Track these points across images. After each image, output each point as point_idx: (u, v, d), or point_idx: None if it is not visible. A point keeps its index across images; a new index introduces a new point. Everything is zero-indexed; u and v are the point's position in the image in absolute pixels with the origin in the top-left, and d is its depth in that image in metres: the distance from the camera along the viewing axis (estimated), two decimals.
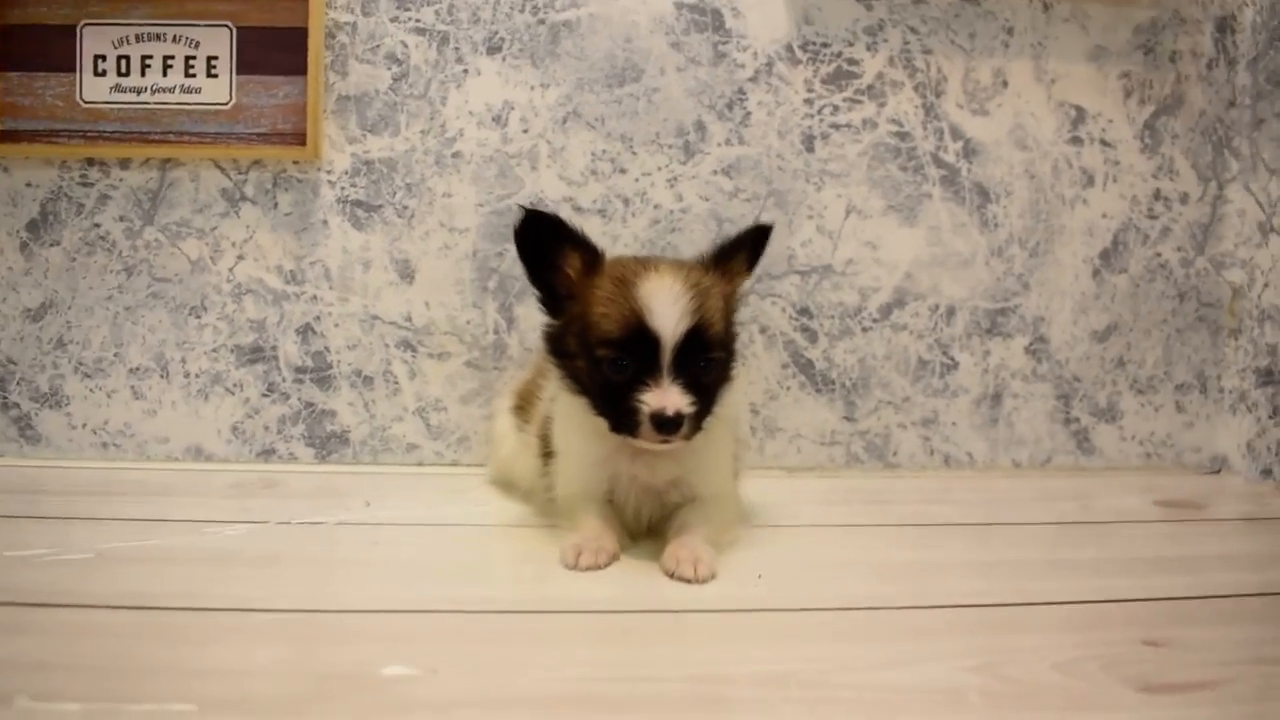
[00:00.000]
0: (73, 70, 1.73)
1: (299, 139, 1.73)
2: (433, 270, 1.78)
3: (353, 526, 1.42)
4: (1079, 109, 1.87)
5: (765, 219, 1.79)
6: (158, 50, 1.74)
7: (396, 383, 1.79)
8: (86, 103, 1.73)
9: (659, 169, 1.79)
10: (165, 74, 1.74)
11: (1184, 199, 1.91)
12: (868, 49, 1.82)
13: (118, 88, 1.73)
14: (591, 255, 1.34)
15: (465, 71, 1.76)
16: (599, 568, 1.24)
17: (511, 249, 1.72)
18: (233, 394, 1.78)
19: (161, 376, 1.77)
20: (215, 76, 1.74)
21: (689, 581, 1.19)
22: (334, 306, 1.77)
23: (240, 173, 1.75)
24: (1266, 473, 1.83)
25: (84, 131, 1.73)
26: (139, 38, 1.73)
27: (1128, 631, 1.08)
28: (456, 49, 1.76)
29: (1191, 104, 1.90)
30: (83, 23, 1.73)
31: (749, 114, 1.80)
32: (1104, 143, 1.88)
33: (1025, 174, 1.86)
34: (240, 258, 1.76)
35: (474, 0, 1.76)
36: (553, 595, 1.18)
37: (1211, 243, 1.92)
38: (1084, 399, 1.91)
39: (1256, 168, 1.87)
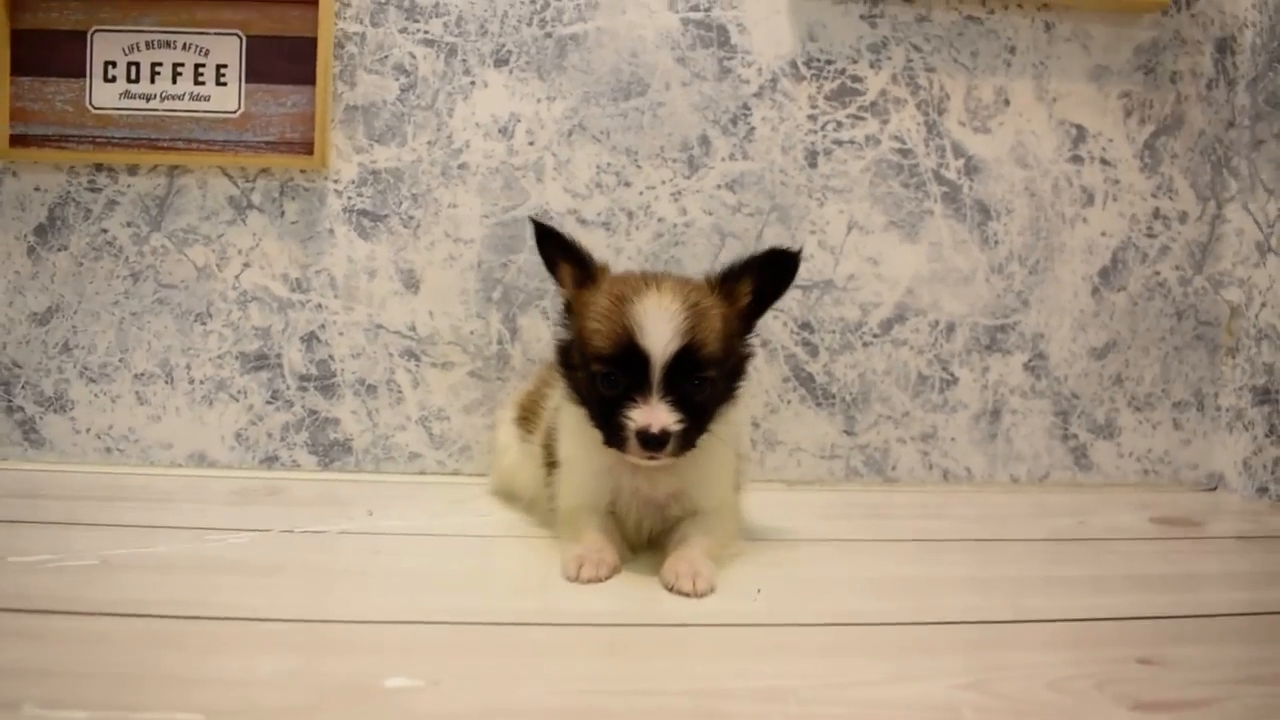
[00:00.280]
0: (83, 76, 1.74)
1: (306, 148, 1.74)
2: (437, 280, 1.79)
3: (355, 535, 1.43)
4: (1079, 128, 1.89)
5: (768, 234, 1.81)
6: (168, 57, 1.75)
7: (400, 392, 1.80)
8: (96, 108, 1.74)
9: (663, 183, 1.80)
10: (175, 81, 1.76)
11: (1183, 218, 1.92)
12: (871, 66, 1.83)
13: (127, 94, 1.75)
14: (585, 269, 1.36)
15: (472, 83, 1.78)
16: (600, 580, 1.25)
17: (516, 260, 1.75)
18: (237, 401, 1.79)
19: (166, 382, 1.78)
20: (224, 84, 1.75)
21: (688, 595, 1.20)
22: (339, 315, 1.78)
23: (248, 181, 1.77)
24: (1263, 490, 1.84)
25: (93, 137, 1.74)
26: (149, 45, 1.75)
27: (1121, 650, 1.09)
28: (464, 61, 1.77)
29: (1191, 124, 1.91)
30: (93, 29, 1.74)
31: (753, 129, 1.82)
32: (1104, 161, 1.89)
33: (1026, 192, 1.87)
34: (246, 265, 1.78)
35: (482, 13, 1.77)
36: (554, 607, 1.18)
37: (1210, 262, 1.93)
38: (1082, 416, 1.92)
39: (1255, 188, 1.89)
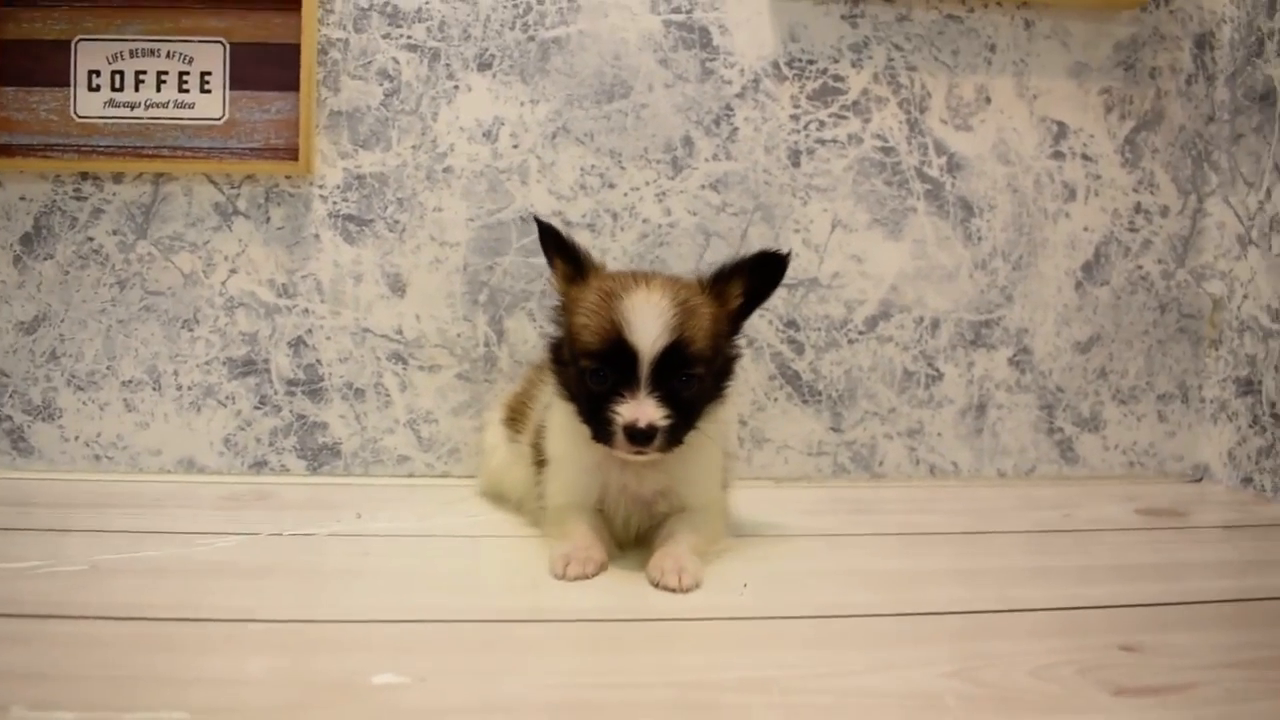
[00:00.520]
0: (67, 85, 1.75)
1: (291, 154, 1.75)
2: (424, 284, 1.80)
3: (344, 538, 1.43)
4: (1060, 124, 1.90)
5: (752, 233, 1.82)
6: (152, 66, 1.76)
7: (388, 395, 1.81)
8: (81, 117, 1.75)
9: (647, 184, 1.81)
10: (159, 89, 1.76)
11: (1164, 212, 1.93)
12: (853, 66, 1.84)
13: (112, 103, 1.75)
14: (576, 266, 1.38)
15: (456, 88, 1.79)
16: (587, 577, 1.26)
17: (501, 263, 1.76)
18: (225, 406, 1.79)
19: (154, 389, 1.78)
20: (209, 92, 1.76)
21: (673, 591, 1.21)
22: (326, 320, 1.79)
23: (233, 187, 1.77)
24: (1247, 481, 1.85)
25: (78, 146, 1.75)
26: (133, 53, 1.75)
27: (1104, 637, 1.10)
28: (448, 65, 1.78)
29: (1171, 119, 1.93)
30: (77, 38, 1.75)
31: (736, 130, 1.83)
32: (1085, 157, 1.91)
33: (1008, 188, 1.89)
34: (233, 271, 1.78)
35: (465, 18, 1.78)
36: (541, 604, 1.19)
37: (1191, 255, 1.95)
38: (1067, 409, 1.93)
39: (1235, 181, 1.90)
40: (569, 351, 1.35)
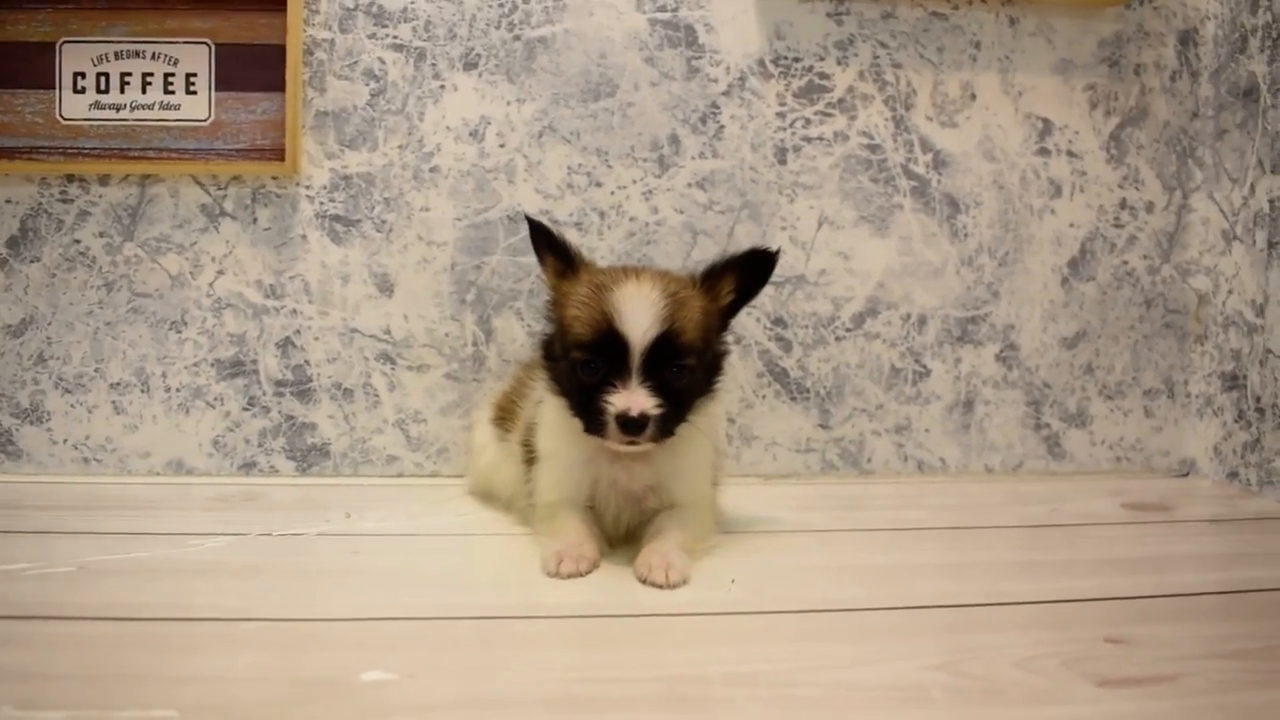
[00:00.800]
0: (52, 87, 1.74)
1: (278, 155, 1.75)
2: (411, 284, 1.80)
3: (333, 537, 1.44)
4: (1046, 121, 1.91)
5: (739, 231, 1.82)
6: (137, 67, 1.76)
7: (376, 395, 1.81)
8: (66, 119, 1.75)
9: (634, 182, 1.81)
10: (144, 91, 1.76)
11: (1149, 208, 1.94)
12: (838, 63, 1.85)
13: (97, 105, 1.75)
14: (566, 261, 1.39)
15: (442, 87, 1.79)
16: (581, 575, 1.26)
17: (489, 262, 1.77)
18: (213, 408, 1.79)
19: (142, 391, 1.78)
20: (194, 93, 1.76)
21: (660, 587, 1.21)
22: (313, 320, 1.79)
23: (220, 188, 1.77)
24: (1233, 475, 1.86)
25: (64, 148, 1.74)
26: (118, 55, 1.75)
27: (1090, 629, 1.11)
28: (434, 65, 1.78)
29: (1156, 115, 1.94)
30: (62, 40, 1.74)
31: (722, 128, 1.83)
32: (1070, 154, 1.91)
33: (994, 185, 1.89)
34: (220, 273, 1.78)
35: (450, 17, 1.78)
36: (530, 601, 1.20)
37: (1177, 251, 1.96)
38: (1054, 405, 1.94)
39: (1220, 177, 1.91)
40: (560, 346, 1.36)
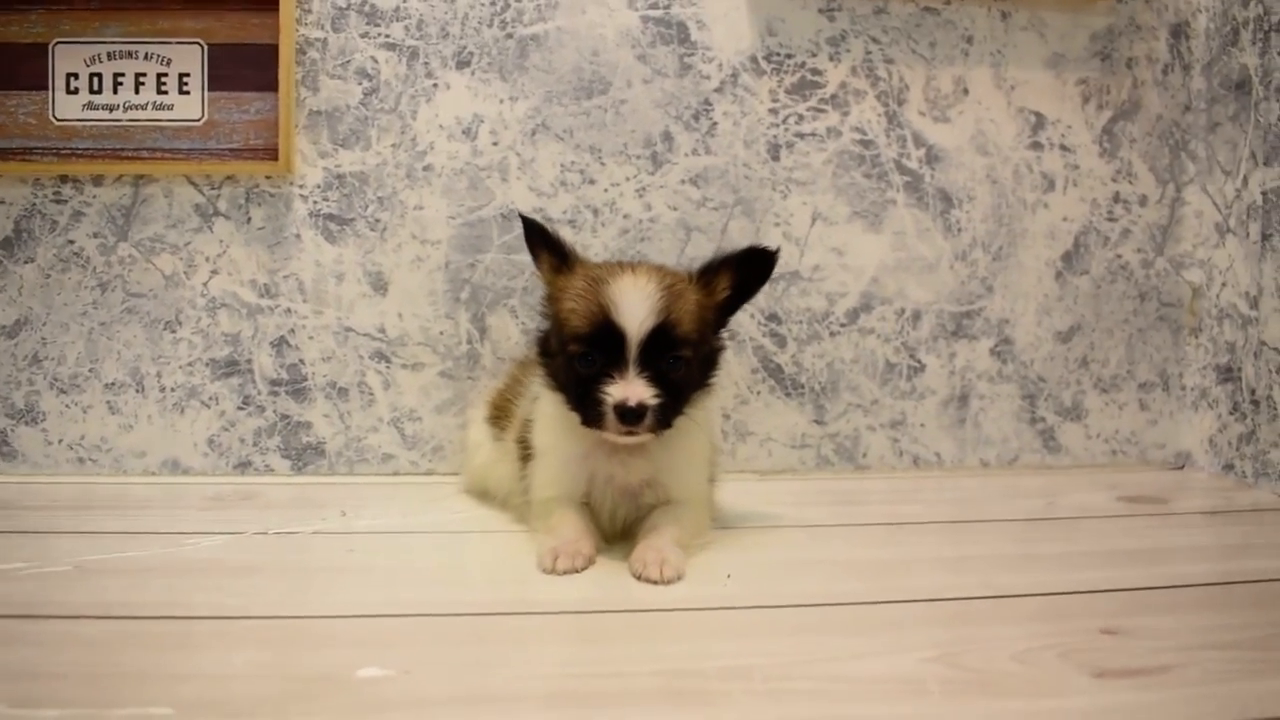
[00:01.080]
0: (45, 88, 1.74)
1: (271, 154, 1.75)
2: (405, 282, 1.80)
3: (329, 535, 1.44)
4: (1038, 115, 1.91)
5: (733, 227, 1.82)
6: (130, 68, 1.75)
7: (371, 394, 1.81)
8: (59, 120, 1.74)
9: (627, 179, 1.82)
10: (138, 91, 1.76)
11: (1143, 201, 1.94)
12: (830, 59, 1.85)
13: (90, 105, 1.75)
14: (561, 257, 1.40)
15: (435, 86, 1.79)
16: (577, 571, 1.26)
17: (483, 260, 1.77)
18: (208, 407, 1.79)
19: (137, 391, 1.78)
20: (187, 93, 1.76)
21: (654, 583, 1.21)
22: (308, 319, 1.79)
23: (213, 188, 1.77)
24: (1229, 467, 1.87)
25: (57, 149, 1.74)
26: (111, 55, 1.75)
27: (1086, 621, 1.11)
28: (426, 64, 1.78)
29: (1148, 109, 1.94)
30: (55, 41, 1.74)
31: (715, 124, 1.83)
32: (1063, 147, 1.92)
33: (987, 179, 1.90)
34: (214, 272, 1.78)
35: (443, 16, 1.78)
36: (526, 597, 1.19)
37: (1170, 244, 1.96)
38: (1049, 399, 1.94)
39: (1212, 170, 1.91)
40: (556, 340, 1.37)
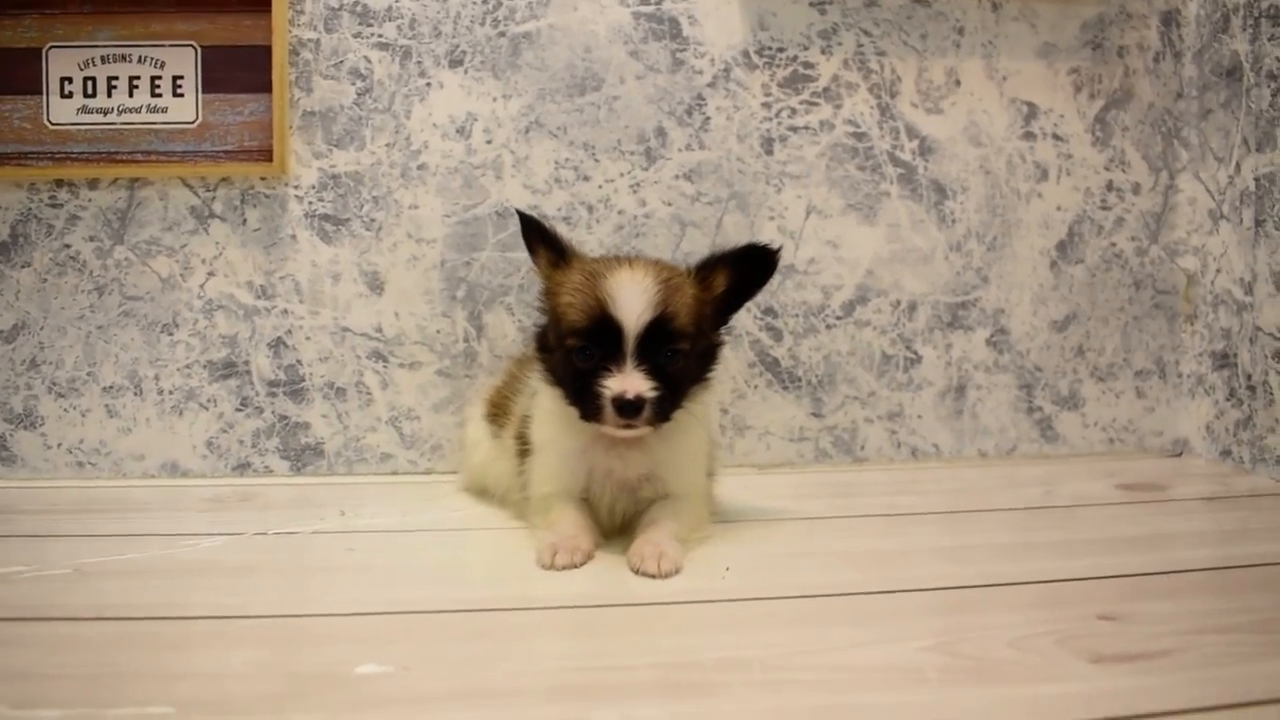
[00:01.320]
0: (39, 93, 1.74)
1: (266, 155, 1.75)
2: (402, 281, 1.80)
3: (328, 535, 1.44)
4: (1031, 105, 1.91)
5: (727, 221, 1.83)
6: (123, 71, 1.76)
7: (369, 393, 1.81)
8: (54, 124, 1.75)
9: (621, 175, 1.82)
10: (131, 94, 1.76)
11: (1136, 189, 1.95)
12: (822, 52, 1.85)
13: (84, 109, 1.75)
14: (558, 252, 1.40)
15: (428, 85, 1.79)
16: (575, 566, 1.27)
17: (478, 258, 1.77)
18: (207, 409, 1.79)
19: (135, 394, 1.78)
20: (181, 96, 1.76)
21: (652, 577, 1.21)
22: (305, 320, 1.79)
23: (208, 190, 1.78)
24: (1226, 453, 1.87)
25: (52, 153, 1.74)
26: (104, 59, 1.75)
27: (1084, 608, 1.11)
28: (419, 63, 1.79)
29: (1140, 97, 1.94)
30: (48, 45, 1.74)
31: (708, 119, 1.83)
32: (1056, 137, 1.92)
33: (980, 170, 1.90)
34: (211, 274, 1.78)
35: (435, 15, 1.78)
36: (524, 593, 1.20)
37: (1164, 231, 1.96)
38: (1046, 388, 1.94)
39: (1205, 157, 1.92)
40: (554, 335, 1.37)
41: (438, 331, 1.81)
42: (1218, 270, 1.89)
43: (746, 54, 1.84)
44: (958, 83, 1.89)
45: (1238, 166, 1.84)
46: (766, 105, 1.85)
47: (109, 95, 1.76)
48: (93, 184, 1.76)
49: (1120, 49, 1.93)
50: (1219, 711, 0.88)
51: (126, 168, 1.75)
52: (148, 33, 1.76)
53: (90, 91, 1.75)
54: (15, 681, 0.92)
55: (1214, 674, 0.95)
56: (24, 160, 1.74)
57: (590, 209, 1.81)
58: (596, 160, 1.81)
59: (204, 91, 1.76)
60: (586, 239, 1.80)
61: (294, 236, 1.78)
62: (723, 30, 1.83)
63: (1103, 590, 1.18)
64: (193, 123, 1.76)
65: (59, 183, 1.76)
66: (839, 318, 1.87)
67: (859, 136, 1.87)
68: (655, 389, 1.29)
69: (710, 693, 0.91)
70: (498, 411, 1.61)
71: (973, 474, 1.84)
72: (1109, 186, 1.94)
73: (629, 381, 1.28)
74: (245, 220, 1.78)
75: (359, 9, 1.77)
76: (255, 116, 1.76)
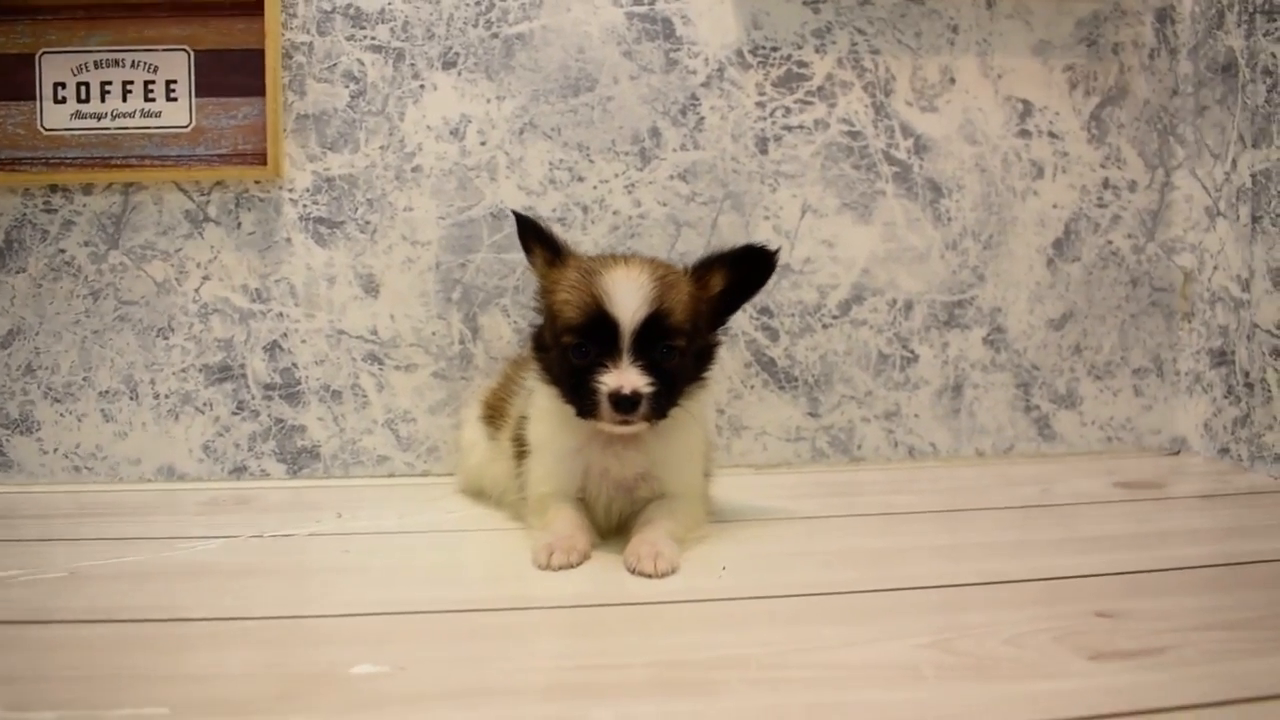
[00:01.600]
0: (33, 98, 1.74)
1: (260, 159, 1.75)
2: (396, 283, 1.80)
3: (324, 537, 1.44)
4: (1026, 102, 1.91)
5: (722, 221, 1.82)
6: (117, 76, 1.76)
7: (365, 396, 1.81)
8: (48, 130, 1.74)
9: (616, 176, 1.82)
10: (125, 99, 1.76)
11: (1132, 187, 1.95)
12: (816, 51, 1.85)
13: (78, 114, 1.75)
14: (554, 251, 1.41)
15: (422, 87, 1.79)
16: (571, 566, 1.27)
17: (474, 260, 1.77)
18: (203, 413, 1.79)
19: (131, 398, 1.78)
20: (175, 100, 1.76)
21: (649, 576, 1.21)
22: (300, 323, 1.79)
23: (203, 194, 1.77)
24: (1224, 451, 1.87)
25: (46, 158, 1.74)
26: (98, 64, 1.75)
27: (1081, 605, 1.11)
28: (412, 65, 1.79)
29: (1135, 94, 1.94)
30: (41, 51, 1.74)
31: (703, 119, 1.83)
32: (1052, 134, 1.92)
33: (976, 168, 1.90)
34: (205, 278, 1.78)
35: (428, 17, 1.78)
36: (521, 593, 1.19)
37: (1161, 229, 1.96)
38: (1043, 386, 1.94)
39: (1201, 154, 1.91)
40: (550, 333, 1.37)
41: (433, 334, 1.81)
42: (1215, 267, 1.89)
43: (740, 53, 1.84)
44: (952, 81, 1.89)
45: (1234, 163, 1.84)
46: (761, 105, 1.84)
47: (103, 100, 1.75)
48: (87, 189, 1.76)
49: (1115, 46, 1.93)
50: (1217, 708, 0.87)
51: (120, 172, 1.75)
52: (141, 37, 1.75)
53: (84, 96, 1.75)
54: (12, 684, 0.92)
55: (1212, 670, 0.94)
56: (18, 165, 1.74)
57: (585, 210, 1.81)
58: (591, 161, 1.81)
59: (197, 95, 1.76)
60: (581, 240, 1.79)
61: (289, 240, 1.78)
62: (716, 30, 1.83)
63: (1100, 587, 1.18)
64: (186, 127, 1.76)
65: (53, 188, 1.76)
66: (835, 317, 1.87)
67: (854, 135, 1.86)
68: (651, 385, 1.29)
69: (707, 691, 0.90)
70: (494, 413, 1.61)
71: (970, 473, 1.84)
72: (1105, 184, 1.94)
73: (625, 377, 1.28)
74: (240, 224, 1.78)
75: (352, 12, 1.77)
76: (249, 120, 1.75)
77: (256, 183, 1.77)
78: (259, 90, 1.75)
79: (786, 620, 1.09)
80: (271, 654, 1.00)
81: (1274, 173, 1.74)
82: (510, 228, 1.44)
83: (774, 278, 1.80)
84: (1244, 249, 1.81)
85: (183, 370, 1.78)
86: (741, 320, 1.84)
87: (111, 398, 1.78)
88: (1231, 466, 1.83)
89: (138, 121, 1.76)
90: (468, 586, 1.24)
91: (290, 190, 1.78)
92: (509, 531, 1.46)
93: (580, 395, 1.31)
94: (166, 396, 1.78)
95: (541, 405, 1.42)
